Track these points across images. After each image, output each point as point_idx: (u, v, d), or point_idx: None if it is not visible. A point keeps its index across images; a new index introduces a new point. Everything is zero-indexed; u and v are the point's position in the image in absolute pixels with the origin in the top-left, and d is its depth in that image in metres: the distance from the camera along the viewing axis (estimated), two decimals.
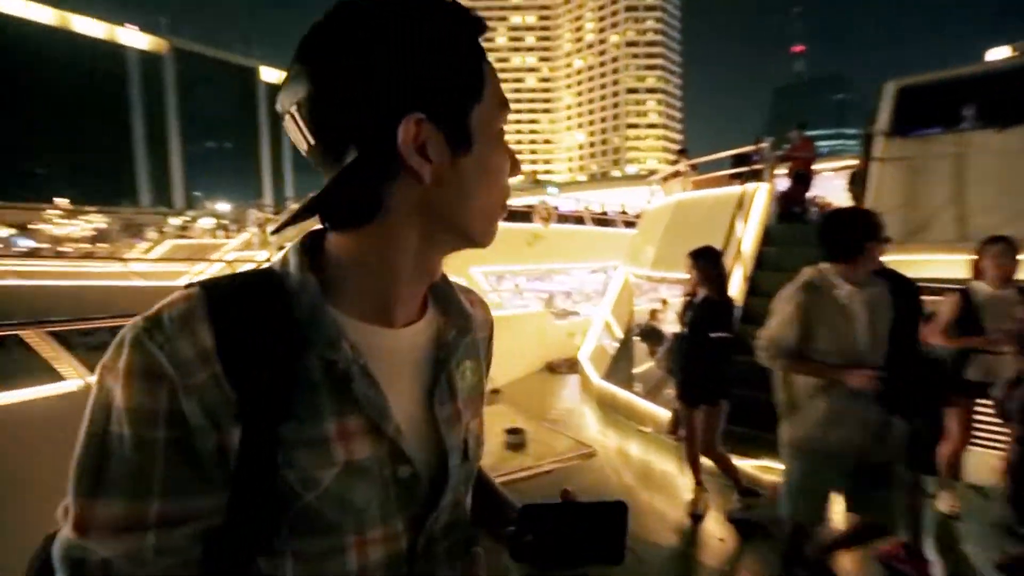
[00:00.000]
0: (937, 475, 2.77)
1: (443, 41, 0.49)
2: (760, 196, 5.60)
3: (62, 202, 50.71)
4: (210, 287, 0.48)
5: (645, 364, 6.22)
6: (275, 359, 0.47)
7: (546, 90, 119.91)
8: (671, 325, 6.70)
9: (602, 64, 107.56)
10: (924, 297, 2.24)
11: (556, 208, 11.93)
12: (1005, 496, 2.38)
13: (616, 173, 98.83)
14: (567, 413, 5.54)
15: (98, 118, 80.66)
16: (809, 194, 6.69)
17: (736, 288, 4.76)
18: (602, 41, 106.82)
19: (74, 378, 2.24)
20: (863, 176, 4.83)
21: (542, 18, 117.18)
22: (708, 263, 3.04)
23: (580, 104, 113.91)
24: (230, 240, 12.85)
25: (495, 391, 6.11)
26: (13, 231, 46.25)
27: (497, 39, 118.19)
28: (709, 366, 2.99)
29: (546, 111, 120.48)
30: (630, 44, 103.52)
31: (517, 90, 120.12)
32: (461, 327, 0.61)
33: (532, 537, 0.57)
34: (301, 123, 0.48)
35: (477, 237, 0.55)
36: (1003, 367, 2.48)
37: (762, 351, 1.92)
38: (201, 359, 0.44)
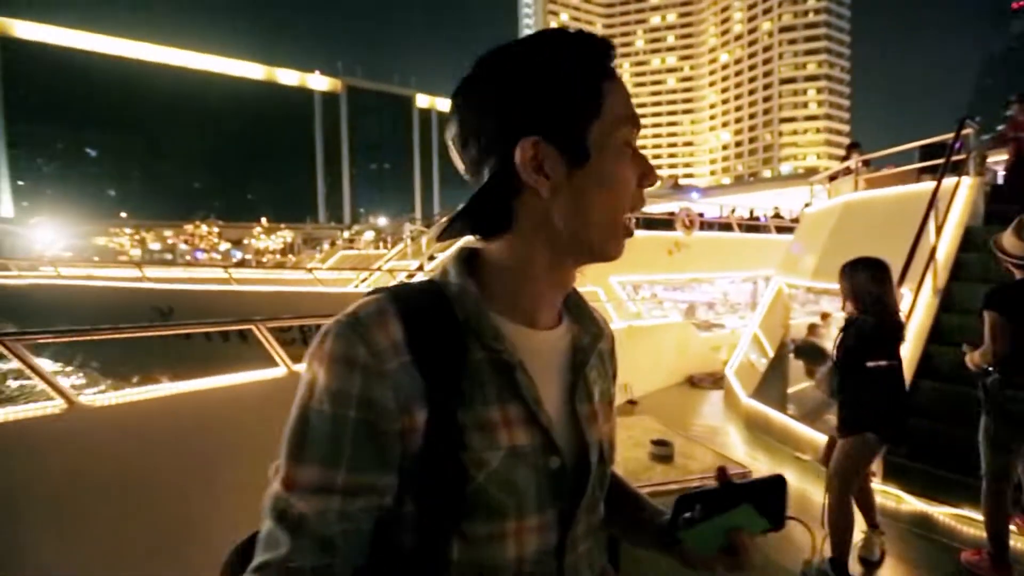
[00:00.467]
0: None
1: (559, 70, 0.55)
2: (961, 192, 4.68)
3: (263, 222, 61.58)
4: (394, 292, 0.57)
5: (801, 384, 5.56)
6: (451, 353, 0.54)
7: (687, 90, 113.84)
8: (831, 341, 5.94)
9: (751, 56, 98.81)
10: None
11: (700, 215, 11.26)
12: None
13: (767, 173, 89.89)
14: (710, 431, 5.19)
15: (291, 150, 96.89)
16: None
17: (923, 303, 4.05)
18: (752, 31, 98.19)
19: (281, 367, 2.74)
20: None
21: (683, 15, 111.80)
22: (855, 277, 2.57)
23: (725, 101, 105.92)
24: (388, 251, 14.39)
25: (632, 402, 5.96)
26: (229, 245, 57.34)
27: (635, 43, 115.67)
28: (853, 394, 2.58)
29: (687, 112, 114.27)
30: (785, 30, 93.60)
31: (656, 93, 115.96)
32: (594, 334, 0.66)
33: (694, 517, 0.59)
34: (454, 151, 0.60)
35: (596, 248, 0.58)
36: None
37: None
38: (394, 349, 0.52)
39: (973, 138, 4.77)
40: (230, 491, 2.35)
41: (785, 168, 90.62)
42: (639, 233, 9.95)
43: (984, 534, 2.61)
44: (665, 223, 10.49)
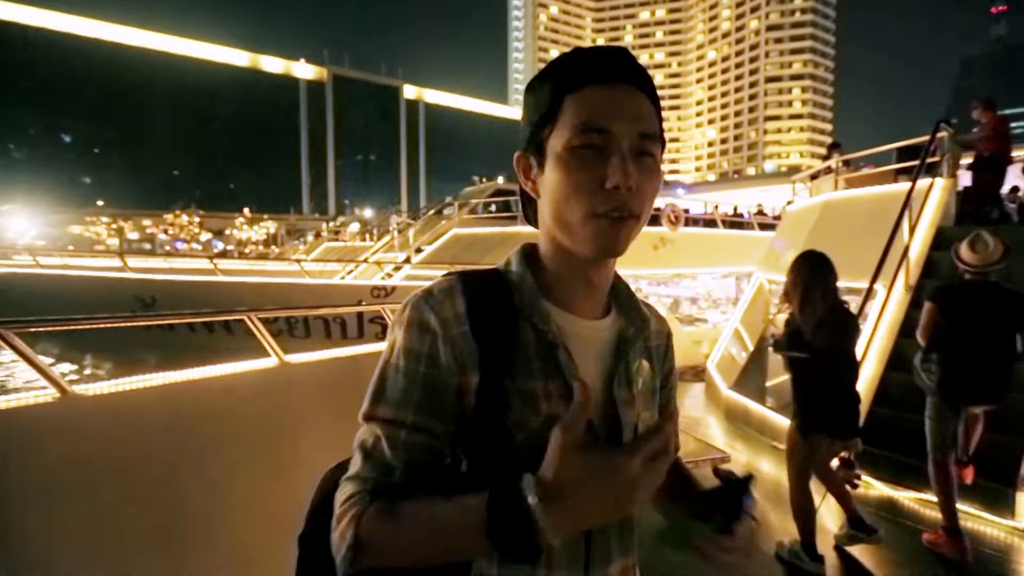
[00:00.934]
0: None
1: (534, 89, 0.65)
2: (934, 193, 4.85)
3: (245, 212, 60.54)
4: (463, 275, 0.68)
5: (780, 377, 5.73)
6: (504, 328, 0.63)
7: (675, 86, 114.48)
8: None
9: (738, 54, 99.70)
10: None
11: (686, 211, 11.42)
12: None
13: (751, 170, 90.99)
14: (692, 421, 5.32)
15: (275, 139, 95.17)
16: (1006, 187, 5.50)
17: (895, 299, 4.22)
18: (739, 28, 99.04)
19: (272, 357, 2.77)
20: None
21: (672, 11, 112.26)
22: (793, 272, 2.65)
23: (712, 98, 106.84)
24: (375, 243, 14.31)
25: None
26: (211, 235, 56.32)
27: (624, 38, 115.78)
28: (799, 392, 2.69)
29: (674, 108, 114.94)
30: (772, 28, 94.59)
31: None
32: (639, 327, 0.72)
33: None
34: None
35: (567, 242, 0.64)
36: None
37: None
38: (456, 319, 0.62)
39: (947, 141, 4.93)
40: (223, 477, 2.39)
41: (769, 166, 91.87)
42: None
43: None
44: (652, 218, 10.63)
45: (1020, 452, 3.08)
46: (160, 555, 2.12)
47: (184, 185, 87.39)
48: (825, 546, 2.78)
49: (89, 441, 2.13)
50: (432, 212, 14.08)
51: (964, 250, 2.94)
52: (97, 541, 2.04)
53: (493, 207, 12.47)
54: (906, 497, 3.40)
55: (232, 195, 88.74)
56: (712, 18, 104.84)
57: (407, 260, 10.60)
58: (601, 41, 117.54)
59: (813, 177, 7.65)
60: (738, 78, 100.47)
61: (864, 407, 3.19)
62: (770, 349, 6.12)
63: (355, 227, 22.47)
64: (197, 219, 55.10)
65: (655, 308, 0.80)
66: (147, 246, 52.47)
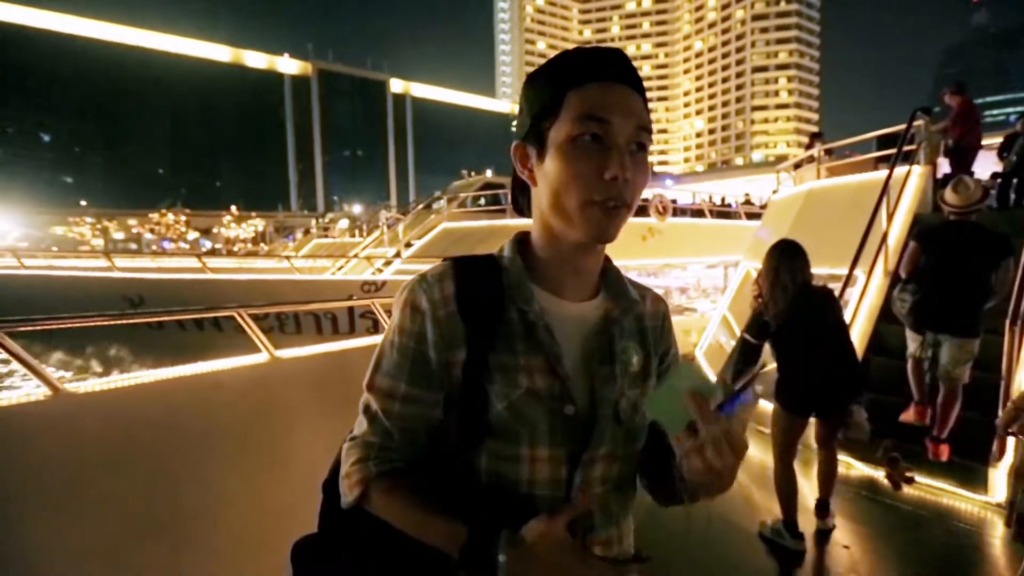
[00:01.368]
0: None
1: (534, 84, 0.70)
2: (912, 181, 4.95)
3: (232, 210, 59.82)
4: (456, 260, 0.74)
5: (769, 365, 5.84)
6: (490, 308, 0.69)
7: (662, 77, 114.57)
8: None
9: (725, 44, 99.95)
10: None
11: (674, 201, 11.51)
12: None
13: (739, 161, 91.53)
14: None
15: (260, 135, 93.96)
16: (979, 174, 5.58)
17: (875, 285, 4.32)
18: (726, 19, 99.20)
19: (263, 352, 2.79)
20: None
21: (658, 1, 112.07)
22: (765, 259, 2.70)
23: (699, 89, 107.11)
24: (364, 238, 14.28)
25: None
26: (198, 234, 55.65)
27: (611, 28, 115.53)
28: (780, 369, 2.79)
29: (662, 99, 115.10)
30: (758, 18, 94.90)
31: None
32: (624, 308, 0.75)
33: None
34: None
35: (561, 228, 0.68)
36: None
37: None
38: (444, 301, 0.69)
39: (924, 129, 5.03)
40: (215, 472, 2.42)
41: (756, 156, 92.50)
42: None
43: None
44: (639, 209, 10.70)
45: (992, 429, 3.19)
46: (155, 549, 2.15)
47: (169, 183, 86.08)
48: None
49: (81, 438, 2.15)
50: (421, 207, 14.06)
51: (948, 193, 3.29)
52: (91, 537, 2.06)
53: (482, 200, 12.47)
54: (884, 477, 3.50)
55: (218, 193, 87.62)
56: (698, 8, 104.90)
57: (397, 255, 10.60)
58: (588, 33, 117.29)
59: (797, 166, 7.76)
60: (725, 68, 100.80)
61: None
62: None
63: (344, 223, 22.37)
64: (183, 218, 54.36)
65: (651, 289, 0.84)
66: (133, 246, 51.73)
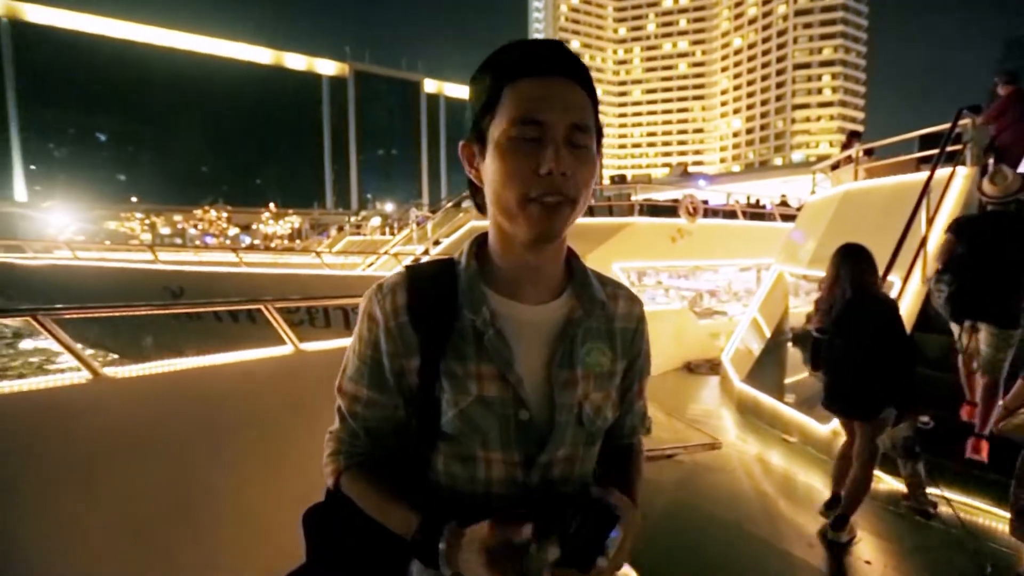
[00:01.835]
0: None
1: (476, 79, 0.67)
2: (956, 182, 4.71)
3: (271, 207, 61.79)
4: (411, 268, 0.75)
5: (800, 374, 5.67)
6: (442, 316, 0.69)
7: (699, 75, 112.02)
8: None
9: (765, 40, 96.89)
10: None
11: (705, 202, 11.25)
12: None
13: (778, 161, 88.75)
14: (704, 414, 5.33)
15: (298, 135, 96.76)
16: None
17: (911, 291, 4.14)
18: (767, 14, 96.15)
19: (288, 345, 2.90)
20: None
21: None
22: (830, 262, 2.90)
23: (737, 87, 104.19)
24: (394, 236, 14.53)
25: None
26: (238, 230, 57.70)
27: (647, 26, 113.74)
28: None
29: (698, 98, 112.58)
30: (801, 13, 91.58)
31: (667, 78, 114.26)
32: (588, 310, 0.73)
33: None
34: None
35: (508, 227, 0.67)
36: None
37: None
38: (396, 312, 0.70)
39: (971, 128, 4.77)
40: (241, 458, 2.53)
41: (797, 156, 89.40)
42: (643, 220, 10.03)
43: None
44: (669, 210, 10.52)
45: None
46: (180, 530, 2.26)
47: (212, 181, 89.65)
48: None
49: (118, 419, 2.29)
50: (451, 205, 14.19)
51: (986, 183, 3.32)
52: (123, 514, 2.18)
53: None
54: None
55: (258, 190, 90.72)
56: (738, 4, 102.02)
57: (425, 252, 10.73)
58: (623, 31, 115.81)
59: (834, 167, 7.49)
60: (765, 66, 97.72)
61: None
62: (789, 344, 6.08)
63: (376, 221, 22.80)
64: (225, 214, 56.49)
65: (625, 288, 0.81)
66: (178, 240, 54.06)
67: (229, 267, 9.05)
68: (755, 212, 12.70)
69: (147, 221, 55.79)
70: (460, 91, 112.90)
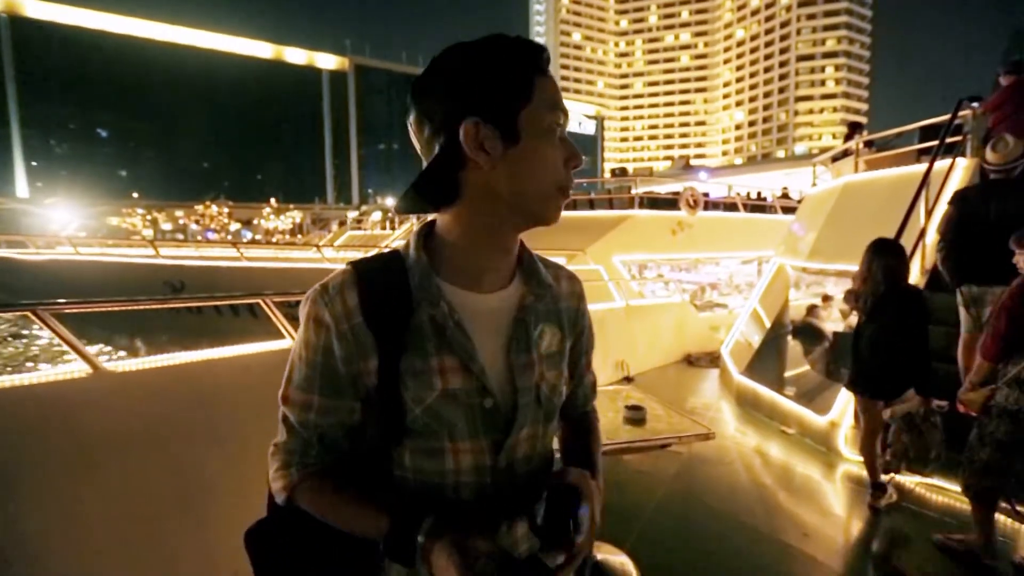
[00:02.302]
0: None
1: (497, 64, 0.65)
2: (956, 174, 4.68)
3: (272, 202, 61.80)
4: (357, 265, 0.71)
5: (800, 367, 5.68)
6: (397, 313, 0.68)
7: (701, 67, 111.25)
8: (834, 323, 6.01)
9: (768, 32, 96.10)
10: None
11: (706, 194, 11.23)
12: None
13: (780, 153, 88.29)
14: (703, 406, 5.34)
15: (299, 130, 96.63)
16: None
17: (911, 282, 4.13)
18: (769, 5, 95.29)
19: (287, 339, 2.92)
20: None
21: None
22: (864, 256, 3.06)
23: (740, 79, 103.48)
24: (395, 231, 14.54)
25: (629, 379, 6.13)
26: (239, 225, 57.75)
27: (648, 18, 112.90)
28: None
29: (700, 90, 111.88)
30: (804, 3, 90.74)
31: (669, 71, 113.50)
32: (539, 294, 0.76)
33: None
34: (412, 134, 0.71)
35: (534, 212, 0.68)
36: None
37: None
38: (348, 314, 0.67)
39: (972, 119, 4.73)
40: (240, 450, 2.55)
41: (799, 148, 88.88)
42: (643, 212, 10.02)
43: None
44: (670, 203, 10.50)
45: None
46: (182, 519, 2.29)
47: (213, 176, 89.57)
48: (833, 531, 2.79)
49: (118, 413, 2.31)
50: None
51: (988, 152, 3.39)
52: (124, 504, 2.21)
53: None
54: (915, 483, 3.38)
55: (259, 186, 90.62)
56: None
57: None
58: (624, 23, 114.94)
59: (834, 159, 7.45)
60: (768, 57, 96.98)
61: None
62: (789, 337, 6.08)
63: (377, 216, 22.80)
64: (226, 209, 56.50)
65: (565, 268, 0.85)
66: (180, 236, 54.16)
67: (230, 261, 9.09)
68: (755, 204, 12.67)
69: (149, 217, 55.84)
70: None
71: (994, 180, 3.31)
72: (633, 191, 10.94)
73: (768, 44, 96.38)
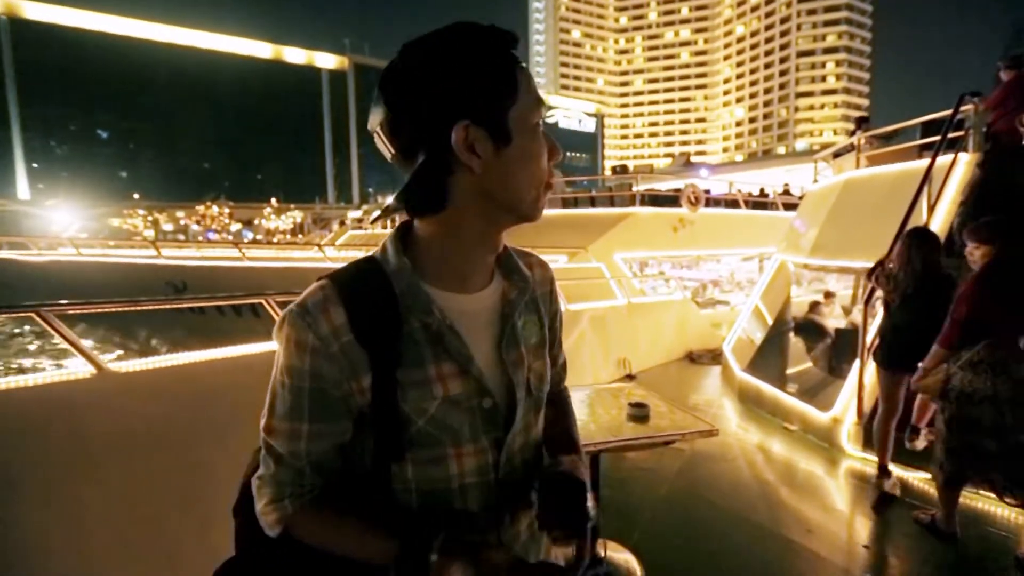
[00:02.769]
0: None
1: (478, 60, 0.60)
2: (958, 169, 4.67)
3: (273, 202, 61.81)
4: (335, 278, 0.66)
5: (803, 364, 5.68)
6: (388, 325, 0.64)
7: (701, 64, 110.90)
8: (836, 320, 6.01)
9: (768, 28, 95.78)
10: None
11: (707, 191, 11.21)
12: None
13: (781, 150, 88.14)
14: (705, 403, 5.34)
15: (299, 130, 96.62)
16: None
17: None
18: (769, 1, 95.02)
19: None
20: None
21: None
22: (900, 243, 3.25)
23: (740, 76, 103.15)
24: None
25: (631, 376, 6.13)
26: (240, 226, 57.80)
27: (648, 15, 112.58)
28: None
29: (700, 87, 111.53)
30: None
31: (668, 67, 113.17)
32: (521, 288, 0.75)
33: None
34: (384, 138, 0.65)
35: (525, 211, 0.67)
36: None
37: None
38: (335, 334, 0.63)
39: (974, 115, 4.72)
40: (241, 447, 2.55)
41: (800, 145, 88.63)
42: (645, 210, 10.00)
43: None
44: (671, 200, 10.49)
45: None
46: (185, 519, 2.29)
47: (214, 177, 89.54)
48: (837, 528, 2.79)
49: (121, 413, 2.31)
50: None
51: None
52: (128, 504, 2.21)
53: None
54: (915, 478, 3.38)
55: (260, 186, 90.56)
56: None
57: None
58: (624, 20, 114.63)
59: (836, 155, 7.43)
60: (768, 53, 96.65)
61: None
62: (791, 333, 6.07)
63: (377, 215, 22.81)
64: (227, 210, 56.53)
65: (534, 255, 0.84)
66: (181, 236, 54.20)
67: (232, 262, 9.09)
68: (757, 201, 12.65)
69: (150, 218, 55.91)
70: None
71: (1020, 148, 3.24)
72: (634, 188, 10.92)
73: (768, 40, 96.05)
